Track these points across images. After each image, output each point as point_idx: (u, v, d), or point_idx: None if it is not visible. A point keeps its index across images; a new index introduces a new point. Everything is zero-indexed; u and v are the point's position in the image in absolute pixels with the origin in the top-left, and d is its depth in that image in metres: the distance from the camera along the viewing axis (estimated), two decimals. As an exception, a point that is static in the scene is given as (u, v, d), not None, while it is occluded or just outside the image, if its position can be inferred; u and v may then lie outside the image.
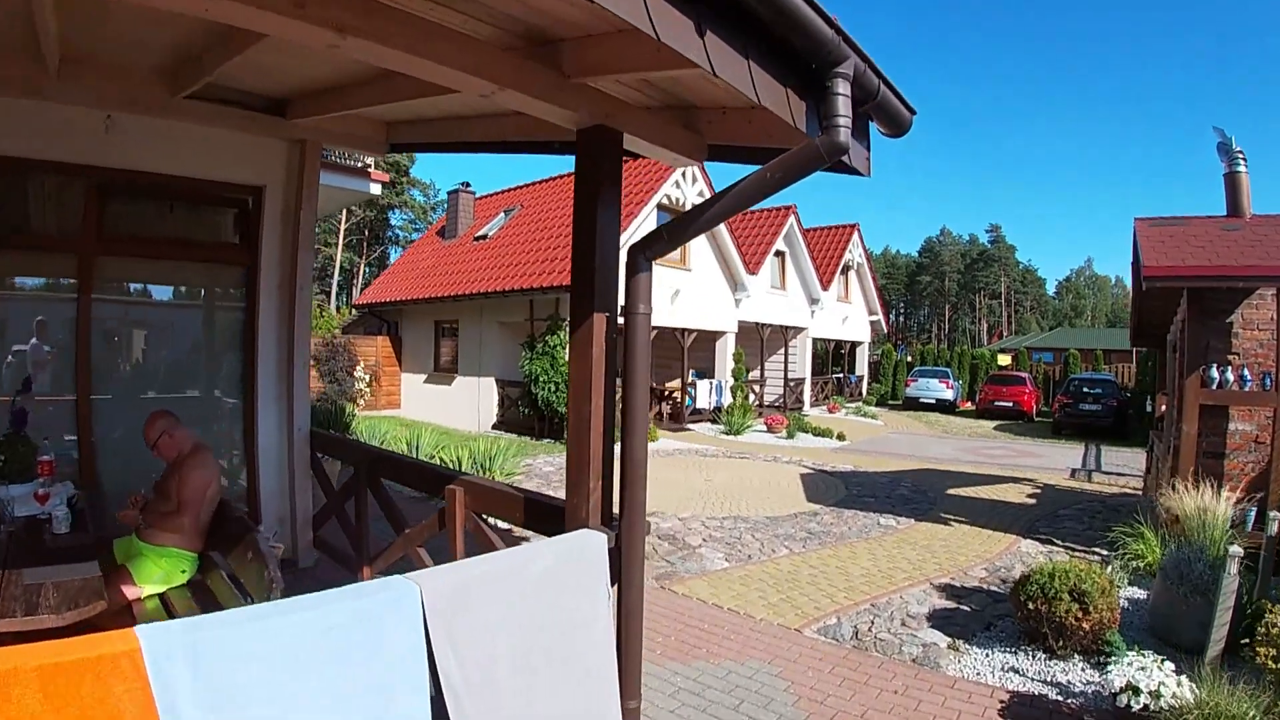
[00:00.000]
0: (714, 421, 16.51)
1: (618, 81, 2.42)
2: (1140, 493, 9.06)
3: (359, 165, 7.00)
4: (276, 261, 4.77)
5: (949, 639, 4.21)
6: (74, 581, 2.44)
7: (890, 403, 25.17)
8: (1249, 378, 5.59)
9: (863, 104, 2.24)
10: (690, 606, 4.71)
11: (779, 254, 19.86)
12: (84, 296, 4.24)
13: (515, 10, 2.06)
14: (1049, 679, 3.68)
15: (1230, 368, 5.63)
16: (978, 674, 3.76)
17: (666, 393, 16.34)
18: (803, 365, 21.65)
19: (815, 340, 22.71)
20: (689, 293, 15.65)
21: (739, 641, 4.13)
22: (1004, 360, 27.41)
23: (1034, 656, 3.92)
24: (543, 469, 9.96)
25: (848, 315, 24.35)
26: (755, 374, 19.47)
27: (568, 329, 5.56)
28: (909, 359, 28.29)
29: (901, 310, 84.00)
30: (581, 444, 2.55)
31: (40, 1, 2.50)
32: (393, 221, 49.93)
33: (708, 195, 13.10)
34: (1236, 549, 3.56)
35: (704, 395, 16.78)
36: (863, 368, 26.72)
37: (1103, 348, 29.90)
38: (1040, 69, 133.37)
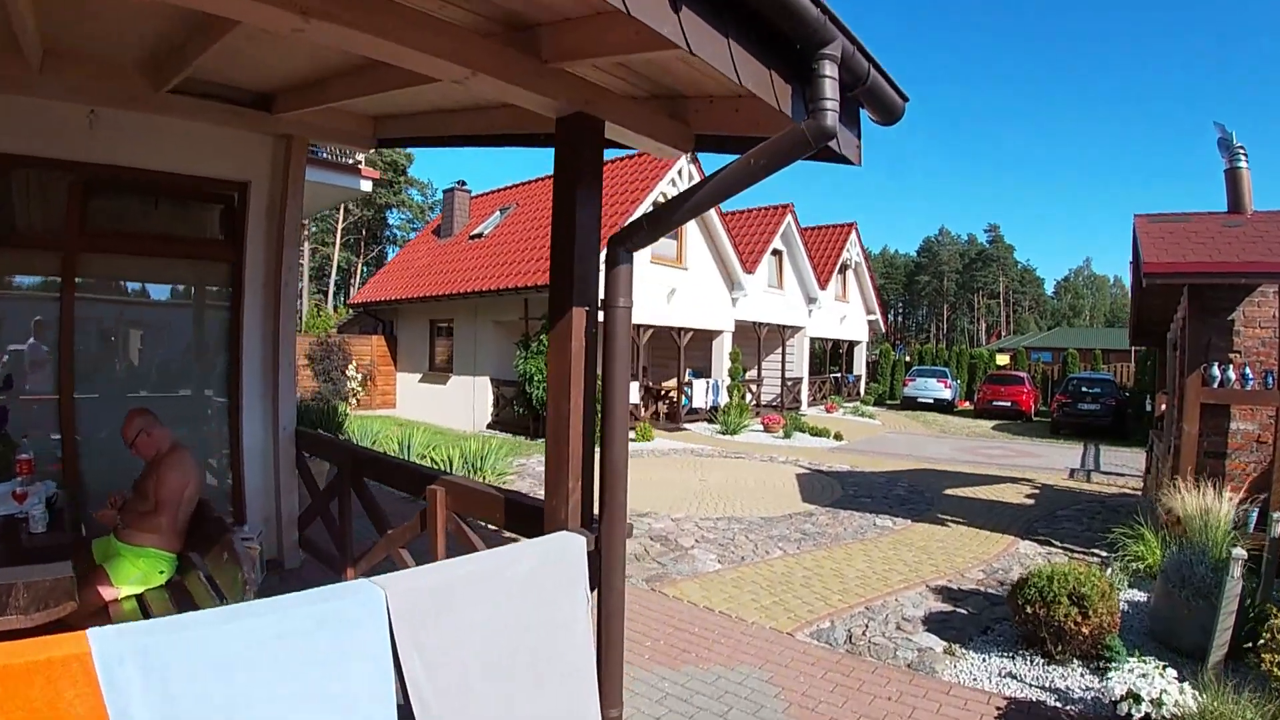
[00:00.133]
0: (710, 421, 16.44)
1: (596, 67, 2.34)
2: (1140, 493, 8.97)
3: (349, 162, 6.91)
4: (261, 258, 4.71)
5: (945, 643, 4.13)
6: (45, 582, 2.37)
7: (888, 402, 25.09)
8: (1251, 376, 5.52)
9: (852, 88, 2.16)
10: (680, 609, 4.62)
11: (776, 253, 19.80)
12: (67, 294, 4.17)
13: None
14: (1047, 685, 3.59)
15: (1232, 366, 5.55)
16: (974, 680, 3.67)
17: (663, 392, 16.25)
18: (800, 365, 21.59)
19: (813, 340, 22.66)
20: (685, 292, 15.58)
21: (729, 645, 4.04)
22: (1002, 360, 27.29)
23: (1032, 662, 3.83)
24: (535, 469, 9.87)
25: (845, 315, 24.31)
26: (752, 373, 19.36)
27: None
28: (907, 359, 28.22)
29: (900, 310, 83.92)
30: (560, 443, 2.46)
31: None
32: (390, 221, 49.90)
33: (704, 193, 13.03)
34: (1239, 551, 3.47)
35: (700, 395, 16.70)
36: (860, 367, 26.68)
37: (1101, 347, 29.80)
38: (1040, 69, 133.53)
